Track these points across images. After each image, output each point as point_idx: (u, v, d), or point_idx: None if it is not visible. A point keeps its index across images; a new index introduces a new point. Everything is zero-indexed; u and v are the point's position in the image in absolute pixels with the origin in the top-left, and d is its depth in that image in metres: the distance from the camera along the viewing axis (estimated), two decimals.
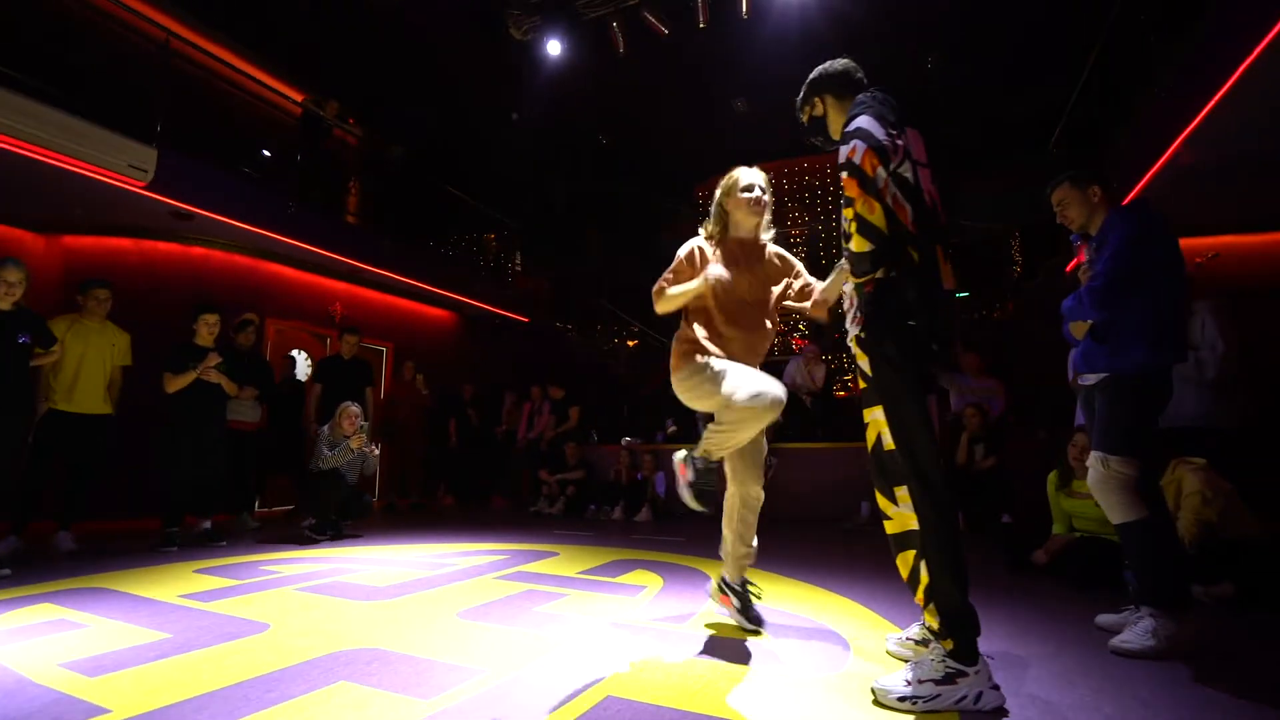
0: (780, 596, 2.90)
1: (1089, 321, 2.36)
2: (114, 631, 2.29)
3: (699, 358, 2.15)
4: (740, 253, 2.29)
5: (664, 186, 11.93)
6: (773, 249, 2.38)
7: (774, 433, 6.09)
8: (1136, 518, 2.16)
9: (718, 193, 2.36)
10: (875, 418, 1.76)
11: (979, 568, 3.52)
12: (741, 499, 2.36)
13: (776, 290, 2.33)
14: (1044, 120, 7.42)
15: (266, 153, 7.53)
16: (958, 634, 1.64)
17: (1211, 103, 4.05)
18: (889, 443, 1.72)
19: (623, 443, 7.24)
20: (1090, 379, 2.35)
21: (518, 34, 7.32)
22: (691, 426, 7.20)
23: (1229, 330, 3.33)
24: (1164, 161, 4.66)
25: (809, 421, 6.46)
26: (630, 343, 11.78)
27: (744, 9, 6.36)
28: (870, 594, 2.95)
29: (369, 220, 8.30)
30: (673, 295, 2.19)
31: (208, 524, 4.39)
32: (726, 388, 2.02)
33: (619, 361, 11.45)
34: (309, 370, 7.18)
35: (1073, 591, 3.03)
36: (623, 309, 11.51)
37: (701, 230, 2.37)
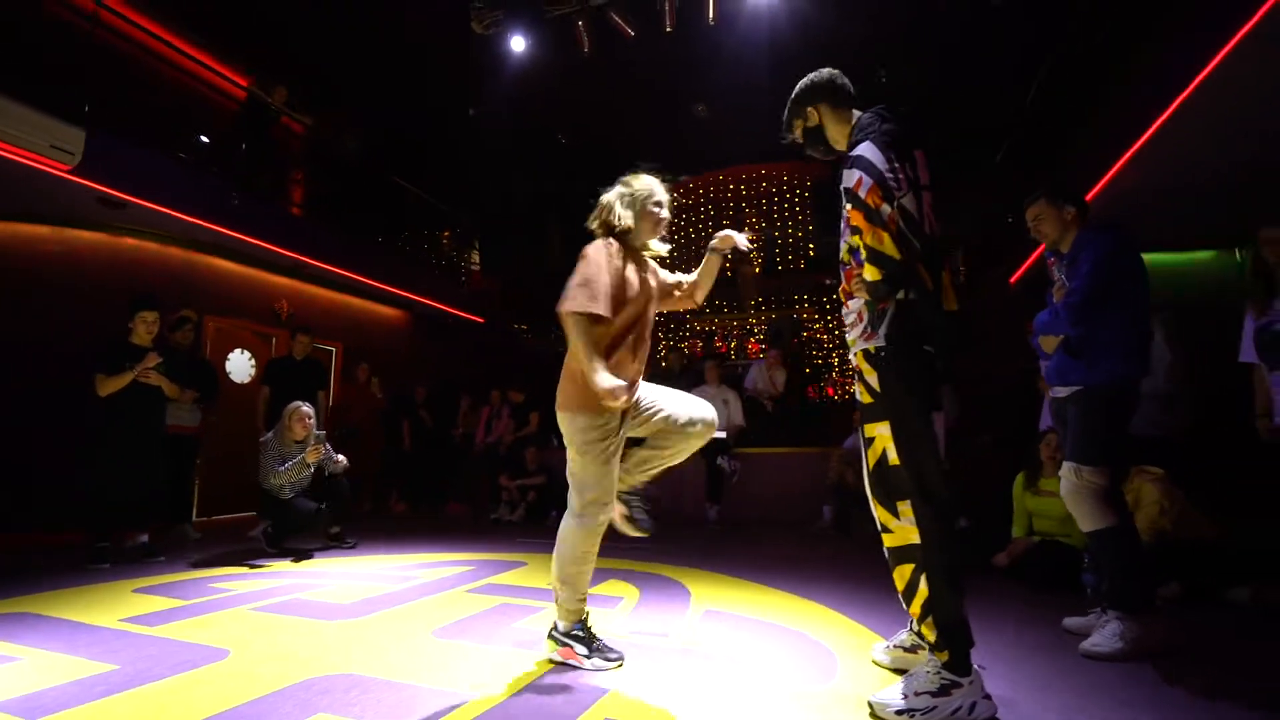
0: (760, 605, 2.90)
1: (1059, 336, 2.46)
2: (51, 664, 2.08)
3: (610, 414, 1.97)
4: (635, 260, 2.12)
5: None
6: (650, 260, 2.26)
7: (737, 438, 6.14)
8: (1107, 525, 2.26)
9: (622, 192, 2.16)
10: (880, 433, 1.77)
11: None
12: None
13: (655, 294, 2.21)
14: (994, 135, 7.76)
15: (204, 138, 7.11)
16: (953, 646, 1.67)
17: (1151, 130, 4.31)
18: (894, 458, 1.73)
19: None
20: (1063, 392, 2.45)
21: (479, 28, 7.12)
22: None
23: (1175, 343, 3.54)
24: (1106, 181, 4.94)
25: (771, 426, 6.54)
26: None
27: (710, 15, 6.39)
28: (845, 601, 2.99)
29: (316, 213, 7.93)
30: (590, 354, 1.90)
31: (144, 537, 4.08)
32: (667, 412, 2.08)
33: None
34: (251, 371, 6.79)
35: (1033, 594, 3.16)
36: None
37: (596, 226, 2.17)
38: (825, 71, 2.05)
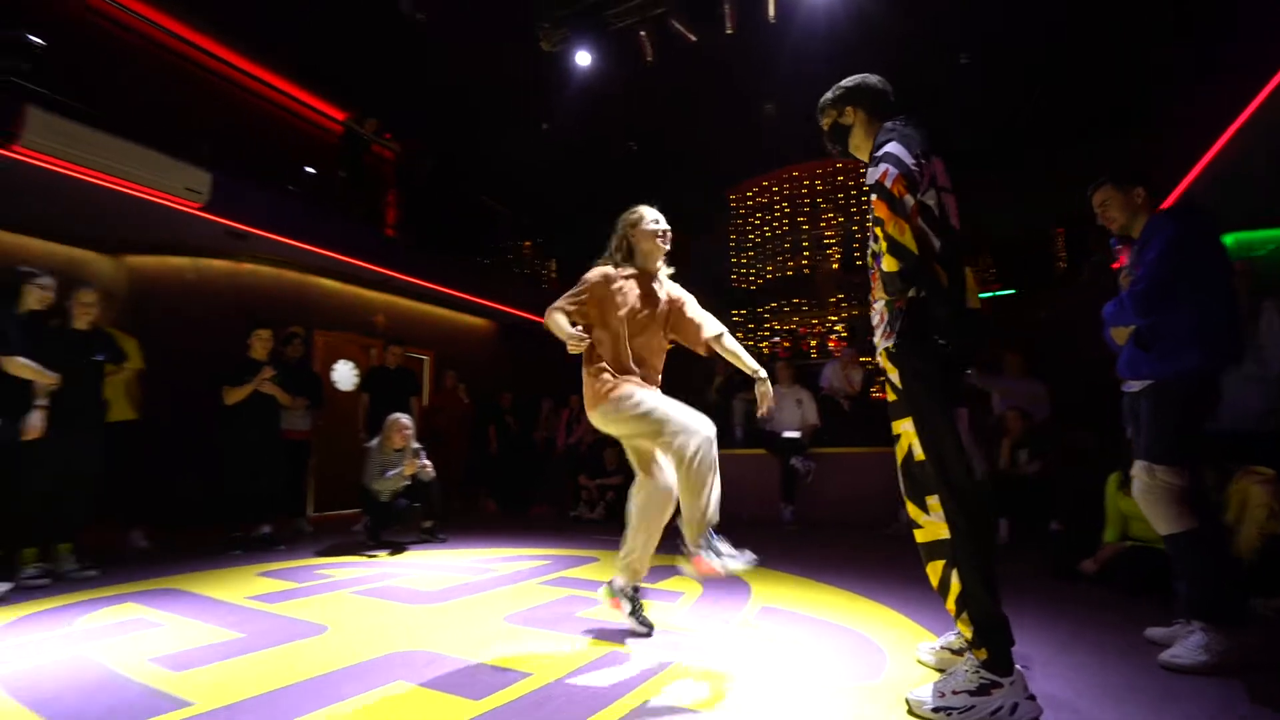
0: (819, 604, 2.92)
1: (1131, 327, 2.33)
2: (191, 630, 2.47)
3: (621, 391, 2.28)
4: (643, 281, 2.45)
5: (696, 191, 11.98)
6: (666, 281, 2.55)
7: (812, 438, 6.08)
8: (1184, 529, 2.13)
9: (620, 225, 2.52)
10: (905, 429, 1.80)
11: (1026, 576, 3.47)
12: (659, 495, 2.43)
13: (669, 317, 2.51)
14: (1084, 114, 7.22)
15: (310, 169, 7.88)
16: (991, 643, 1.66)
17: (1263, 94, 3.91)
18: (919, 453, 1.75)
19: None
20: (1134, 386, 2.32)
21: (548, 46, 7.46)
22: (727, 434, 7.21)
23: None
24: (1214, 154, 4.51)
25: (847, 425, 6.40)
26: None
27: (770, 13, 6.37)
28: (906, 601, 2.94)
29: (408, 233, 8.57)
30: (555, 325, 2.31)
31: (267, 529, 4.62)
32: (656, 418, 2.20)
33: None
34: (355, 380, 7.44)
35: (1122, 600, 2.97)
36: None
37: (608, 262, 2.50)
38: (876, 78, 2.05)
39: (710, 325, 2.53)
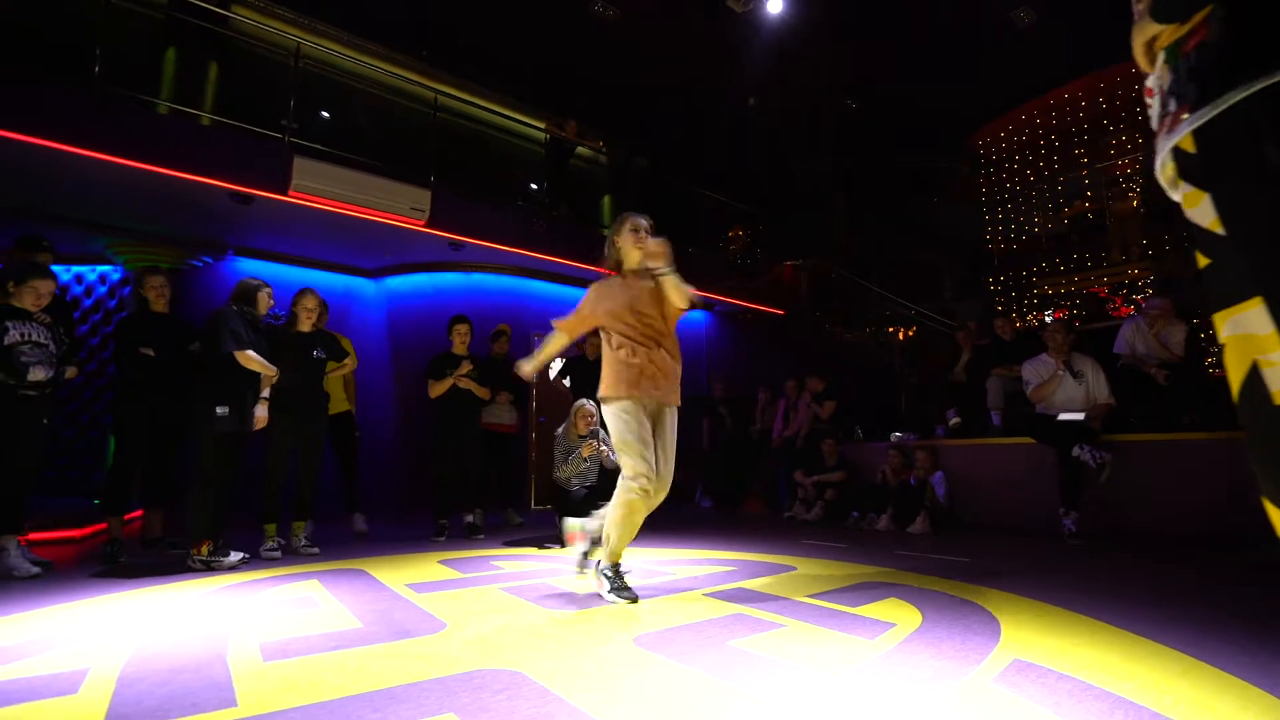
0: (1111, 667, 1.79)
1: None
2: (331, 615, 2.41)
3: (629, 400, 2.59)
4: (634, 281, 2.73)
5: (935, 144, 10.21)
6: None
7: (1105, 420, 4.45)
8: None
9: (611, 233, 2.86)
10: (1239, 330, 0.78)
11: None
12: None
13: (655, 299, 2.71)
14: None
15: (534, 186, 8.44)
16: None
17: None
18: None
19: (892, 439, 6.15)
20: None
21: (737, 6, 6.88)
22: (983, 417, 5.77)
23: None
24: None
25: (1168, 404, 4.55)
26: (908, 330, 10.23)
27: None
28: (1268, 673, 1.67)
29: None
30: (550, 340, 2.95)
31: (469, 517, 4.80)
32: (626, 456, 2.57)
33: (893, 349, 10.04)
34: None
35: None
36: (892, 290, 10.09)
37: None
38: None
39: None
